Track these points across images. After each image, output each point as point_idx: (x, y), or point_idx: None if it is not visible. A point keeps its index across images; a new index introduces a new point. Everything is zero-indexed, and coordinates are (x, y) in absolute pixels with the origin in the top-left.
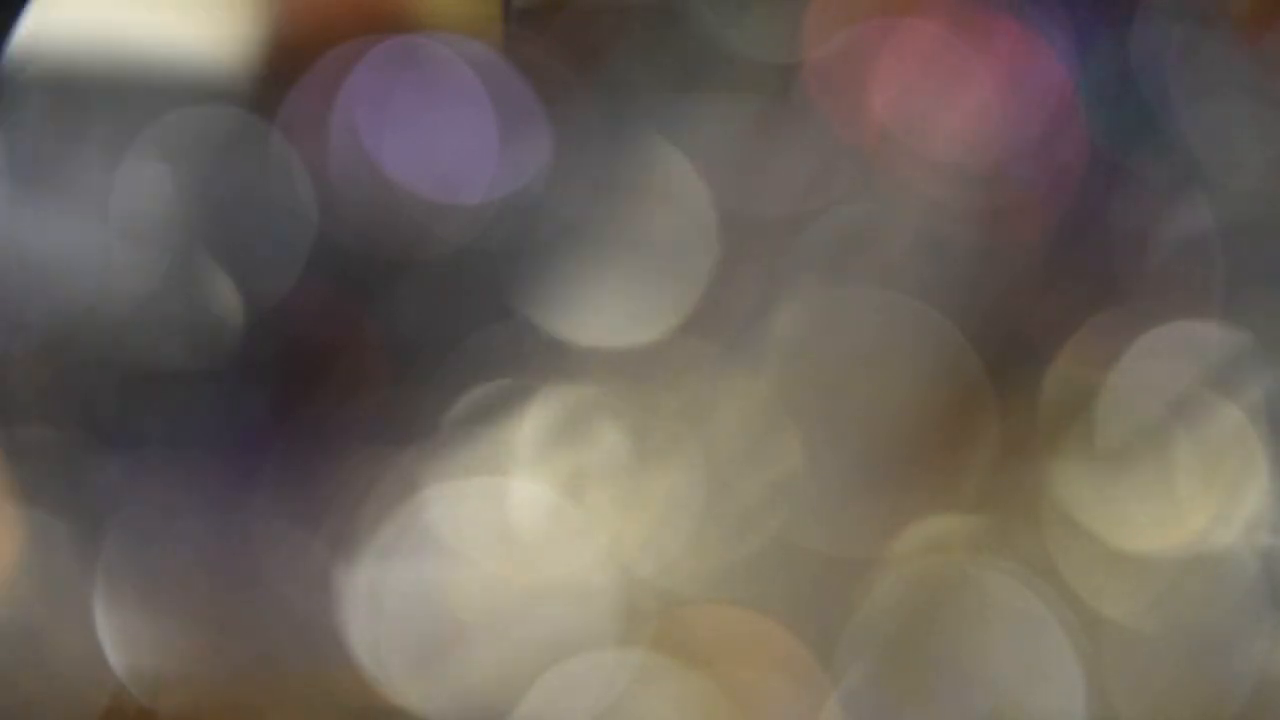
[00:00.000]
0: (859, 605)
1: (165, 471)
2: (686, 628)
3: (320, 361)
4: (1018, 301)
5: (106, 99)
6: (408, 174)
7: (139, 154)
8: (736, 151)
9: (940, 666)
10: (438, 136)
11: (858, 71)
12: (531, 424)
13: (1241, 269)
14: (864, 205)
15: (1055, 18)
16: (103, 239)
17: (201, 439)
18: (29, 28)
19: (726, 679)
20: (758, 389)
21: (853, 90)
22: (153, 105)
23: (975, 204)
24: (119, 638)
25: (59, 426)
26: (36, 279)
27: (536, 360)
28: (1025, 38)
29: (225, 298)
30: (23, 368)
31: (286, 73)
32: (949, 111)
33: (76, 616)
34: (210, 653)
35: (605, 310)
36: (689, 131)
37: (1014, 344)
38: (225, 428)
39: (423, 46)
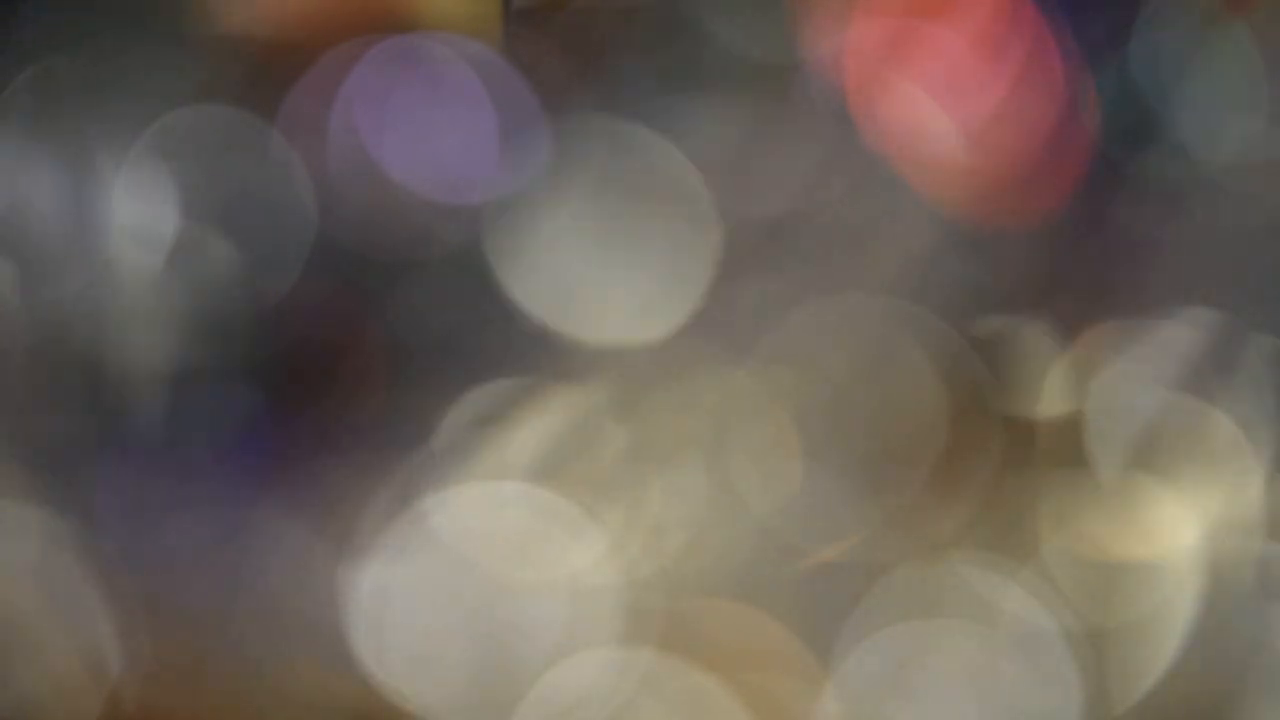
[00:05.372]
0: (859, 606)
1: (165, 471)
2: (687, 628)
3: (321, 362)
4: (1020, 303)
5: (106, 99)
6: (408, 174)
7: (139, 154)
8: (736, 151)
9: (939, 668)
10: (438, 136)
11: (861, 72)
12: (532, 425)
13: (1242, 271)
14: (865, 205)
15: (1060, 19)
16: (103, 239)
17: (202, 439)
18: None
19: (726, 679)
20: (758, 390)
21: (856, 90)
22: (153, 105)
23: (977, 204)
24: (118, 637)
25: (59, 426)
26: (36, 278)
27: (537, 361)
28: (1030, 39)
29: (225, 297)
30: (23, 367)
31: (286, 73)
32: (952, 112)
33: (76, 616)
34: (210, 653)
35: (606, 310)
36: (689, 131)
37: (1014, 346)
38: (226, 428)
39: (423, 46)
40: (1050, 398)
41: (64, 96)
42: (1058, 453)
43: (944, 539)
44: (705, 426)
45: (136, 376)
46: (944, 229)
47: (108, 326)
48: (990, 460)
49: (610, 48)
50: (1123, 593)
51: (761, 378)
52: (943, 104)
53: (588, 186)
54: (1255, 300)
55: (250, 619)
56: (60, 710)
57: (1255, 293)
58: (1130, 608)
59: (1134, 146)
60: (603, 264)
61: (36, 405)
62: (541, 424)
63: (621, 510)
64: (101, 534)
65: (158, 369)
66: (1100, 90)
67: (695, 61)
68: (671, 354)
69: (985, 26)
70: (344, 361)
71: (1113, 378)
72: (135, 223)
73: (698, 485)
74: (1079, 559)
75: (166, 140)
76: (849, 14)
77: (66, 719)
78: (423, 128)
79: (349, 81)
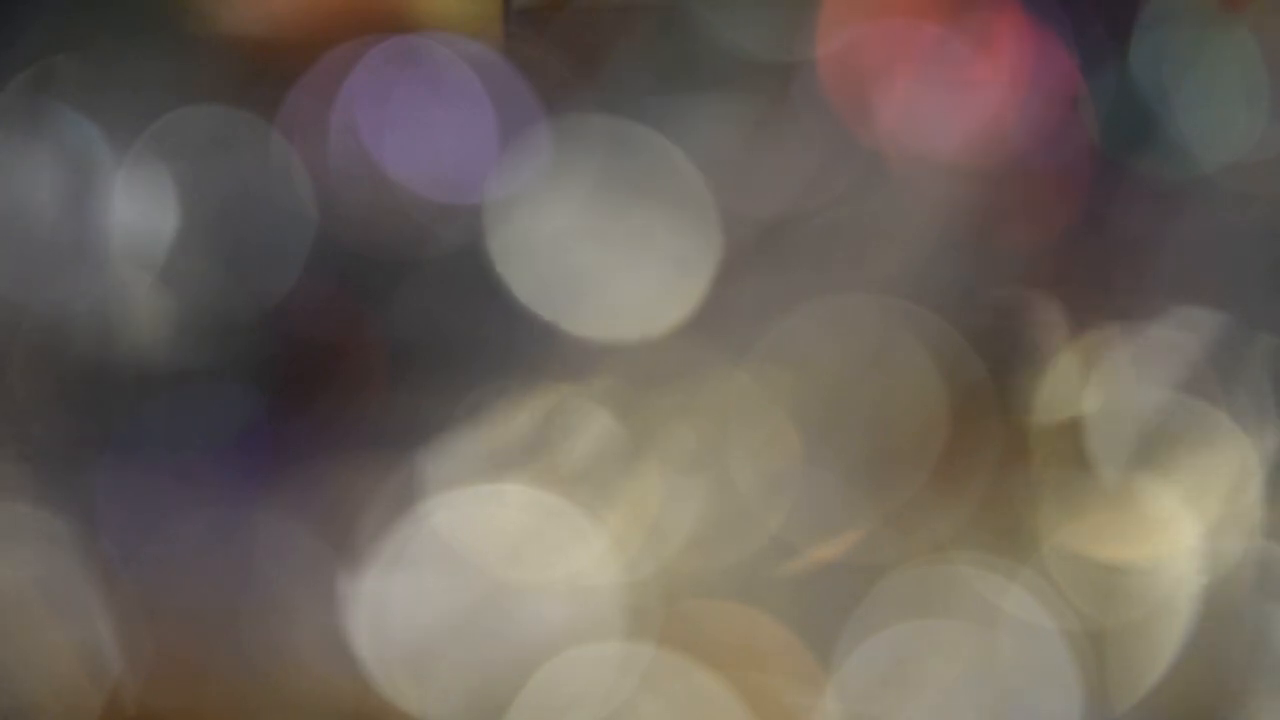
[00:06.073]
0: (859, 606)
1: (165, 471)
2: (687, 628)
3: (321, 362)
4: (1019, 303)
5: (106, 99)
6: (408, 174)
7: (139, 154)
8: (736, 151)
9: (939, 668)
10: (438, 136)
11: (862, 72)
12: (532, 425)
13: (1242, 271)
14: (865, 205)
15: (1059, 20)
16: (103, 239)
17: (202, 439)
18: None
19: (726, 678)
20: (758, 389)
21: (857, 90)
22: (153, 105)
23: (977, 204)
24: (118, 637)
25: (59, 426)
26: (37, 279)
27: (537, 361)
28: (1030, 40)
29: (225, 298)
30: (23, 368)
31: (286, 73)
32: (952, 112)
33: (76, 616)
34: (210, 653)
35: (605, 311)
36: (689, 131)
37: (1015, 346)
38: (225, 428)
39: (423, 46)
40: (1050, 398)
41: (64, 96)
42: (1058, 453)
43: (944, 539)
44: (705, 426)
45: (137, 376)
46: (943, 229)
47: (108, 327)
48: (990, 460)
49: (610, 48)
50: (1123, 593)
51: (761, 378)
52: (942, 104)
53: (587, 186)
54: (1255, 300)
55: (250, 619)
56: (60, 710)
57: (1255, 293)
58: (1130, 608)
59: (1134, 147)
60: (602, 264)
61: (37, 406)
62: (541, 424)
63: (621, 510)
64: (102, 534)
65: (158, 369)
66: (1100, 90)
67: (695, 61)
68: (671, 353)
69: (985, 27)
70: (344, 361)
71: (1112, 378)
72: (135, 222)
73: (697, 485)
74: (1079, 559)
75: (166, 140)
76: (849, 14)
77: (66, 719)
78: (423, 128)
79: (349, 81)
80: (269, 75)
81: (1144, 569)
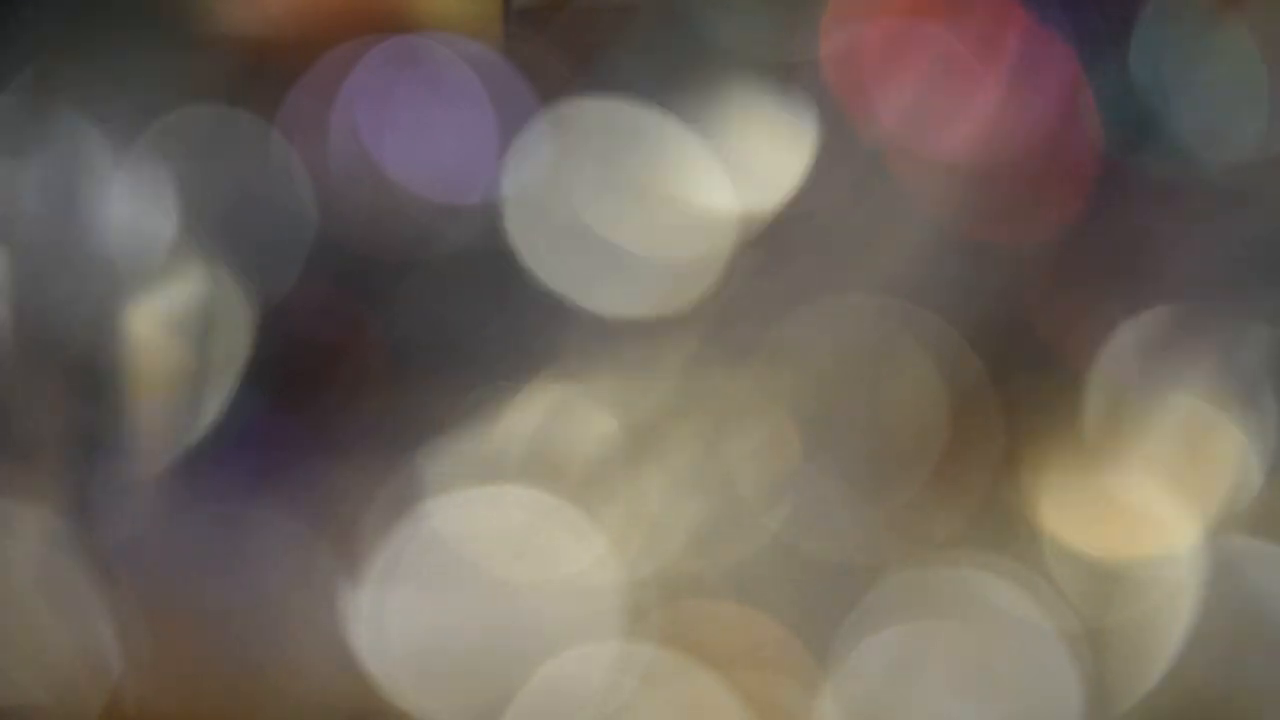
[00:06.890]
0: (859, 606)
1: (165, 471)
2: (686, 628)
3: (321, 362)
4: (1020, 303)
5: (106, 99)
6: (408, 174)
7: (138, 154)
8: (736, 151)
9: (939, 668)
10: (438, 136)
11: (864, 71)
12: (532, 424)
13: (1242, 271)
14: (865, 205)
15: (1061, 19)
16: (102, 239)
17: (202, 439)
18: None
19: (726, 679)
20: (758, 389)
21: (857, 90)
22: (153, 105)
23: (978, 204)
24: (119, 638)
25: (58, 426)
26: (36, 278)
27: (537, 361)
28: (1032, 39)
29: (225, 297)
30: (22, 367)
31: (286, 73)
32: (954, 112)
33: (76, 616)
34: (210, 653)
35: (605, 310)
36: (689, 131)
37: (1015, 346)
38: (225, 428)
39: (423, 46)
40: (1051, 397)
41: (64, 96)
42: (1058, 453)
43: (944, 539)
44: (705, 425)
45: (135, 376)
46: (943, 229)
47: (107, 326)
48: (990, 460)
49: (610, 48)
50: (1123, 593)
51: (761, 377)
52: (943, 104)
53: (587, 186)
54: (1255, 300)
55: (250, 619)
56: (60, 710)
57: (1255, 292)
58: (1130, 608)
59: (1134, 146)
60: (601, 264)
61: (36, 405)
62: (541, 424)
63: (621, 510)
64: (101, 534)
65: (157, 369)
66: (1101, 90)
67: (695, 61)
68: (671, 352)
69: (985, 26)
70: (344, 361)
71: (1113, 377)
72: (135, 222)
73: (697, 485)
74: (1079, 559)
75: (166, 140)
76: (849, 14)
77: (66, 719)
78: (423, 128)
79: (349, 81)
80: (269, 75)
81: (1144, 568)
